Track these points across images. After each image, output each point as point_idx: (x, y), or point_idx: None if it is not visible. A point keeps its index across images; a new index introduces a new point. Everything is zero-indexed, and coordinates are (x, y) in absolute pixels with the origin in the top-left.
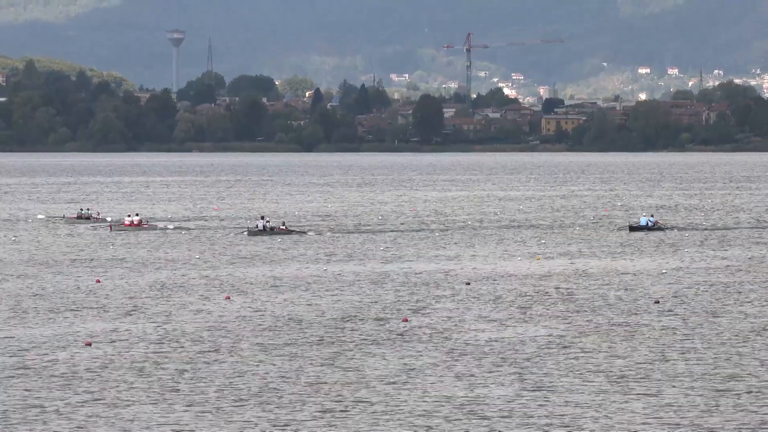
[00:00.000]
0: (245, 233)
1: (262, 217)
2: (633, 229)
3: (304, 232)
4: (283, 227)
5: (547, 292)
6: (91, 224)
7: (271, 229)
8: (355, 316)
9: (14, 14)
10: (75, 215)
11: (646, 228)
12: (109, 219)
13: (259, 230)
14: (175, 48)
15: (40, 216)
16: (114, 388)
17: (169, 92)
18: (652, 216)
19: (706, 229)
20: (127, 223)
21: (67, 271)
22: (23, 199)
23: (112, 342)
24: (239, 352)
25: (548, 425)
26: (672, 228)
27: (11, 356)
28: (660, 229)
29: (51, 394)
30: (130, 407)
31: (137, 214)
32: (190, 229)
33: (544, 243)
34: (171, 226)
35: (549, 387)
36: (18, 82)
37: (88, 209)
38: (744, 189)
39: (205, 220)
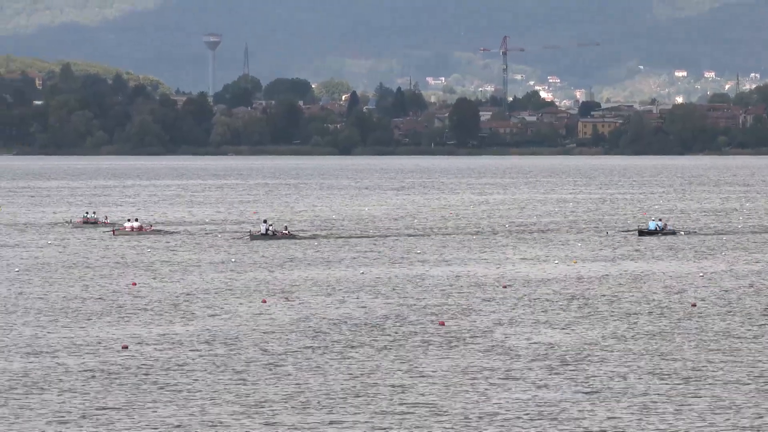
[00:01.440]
0: (248, 238)
1: (265, 221)
2: (642, 233)
3: (308, 237)
4: (286, 231)
5: (583, 296)
6: (99, 228)
7: (274, 233)
8: (391, 319)
9: (50, 17)
10: (81, 219)
11: (655, 232)
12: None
13: (262, 234)
14: (212, 51)
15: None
16: (150, 392)
17: (205, 95)
18: (660, 220)
19: (735, 233)
20: (128, 227)
21: (103, 274)
22: (62, 202)
23: (148, 345)
24: (275, 355)
25: (586, 427)
26: (682, 232)
27: (49, 359)
28: (671, 233)
29: (88, 397)
30: (166, 410)
31: (136, 219)
32: (194, 233)
33: (581, 246)
34: (174, 230)
35: (586, 389)
36: (54, 86)
37: (94, 213)
38: None
39: (242, 224)
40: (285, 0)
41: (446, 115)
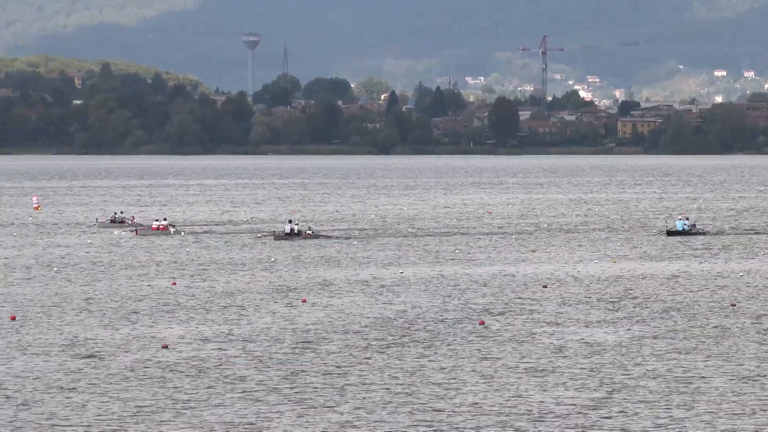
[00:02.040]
0: (272, 238)
1: (290, 221)
2: (670, 233)
3: (330, 236)
4: (310, 231)
5: (623, 295)
6: (126, 228)
7: (298, 233)
8: (431, 318)
9: (89, 17)
10: (108, 219)
11: (682, 232)
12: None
13: (286, 234)
14: (251, 51)
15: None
16: (191, 390)
17: (244, 95)
18: (687, 219)
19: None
20: (154, 227)
21: (143, 274)
22: (102, 202)
23: (188, 344)
24: (316, 353)
25: (627, 427)
26: (709, 232)
27: (90, 358)
28: (699, 233)
29: (128, 395)
30: (206, 408)
31: (165, 219)
32: (221, 233)
33: (620, 245)
34: (199, 230)
35: (626, 389)
36: (94, 85)
37: (121, 212)
38: None
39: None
40: (324, 1)
41: (485, 114)
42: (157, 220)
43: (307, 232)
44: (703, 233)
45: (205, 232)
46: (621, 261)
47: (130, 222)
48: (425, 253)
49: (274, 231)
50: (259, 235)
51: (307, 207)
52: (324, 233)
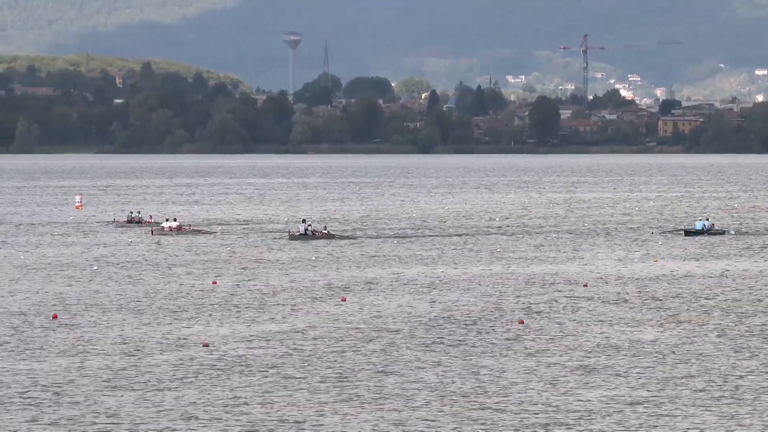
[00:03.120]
0: (286, 237)
1: (304, 221)
2: (688, 233)
3: (348, 237)
4: (325, 231)
5: (663, 294)
6: (142, 228)
7: (313, 233)
8: (471, 317)
9: (130, 15)
10: (125, 219)
11: (702, 232)
12: (164, 222)
13: (301, 234)
14: (292, 50)
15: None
16: (231, 389)
17: (285, 94)
18: (708, 219)
19: None
20: (166, 227)
21: (183, 273)
22: (142, 201)
23: (228, 343)
24: (355, 352)
25: (669, 426)
26: (732, 231)
27: (131, 357)
28: (718, 232)
29: (169, 394)
30: (246, 407)
31: (175, 219)
32: (235, 233)
33: (661, 244)
34: (216, 230)
35: (667, 388)
36: (135, 84)
37: (138, 213)
38: None
39: (326, 222)
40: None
41: (526, 113)
42: (167, 220)
43: (323, 231)
44: (722, 233)
45: (213, 232)
46: (664, 260)
47: (147, 222)
48: (465, 252)
49: (289, 231)
50: (275, 237)
51: (351, 205)
52: (338, 234)
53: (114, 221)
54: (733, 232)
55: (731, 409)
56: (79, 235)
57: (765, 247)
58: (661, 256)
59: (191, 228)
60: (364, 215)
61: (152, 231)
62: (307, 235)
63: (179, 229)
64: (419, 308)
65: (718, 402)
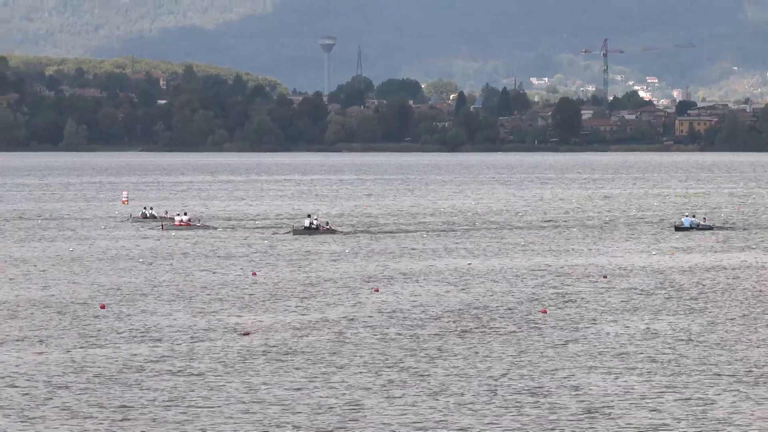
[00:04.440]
0: (290, 232)
1: (309, 216)
2: (678, 229)
3: (334, 231)
4: (328, 226)
5: (681, 286)
6: (157, 223)
7: (316, 228)
8: (497, 307)
9: (173, 20)
10: (140, 215)
11: (690, 228)
12: (176, 216)
13: (305, 229)
14: (327, 53)
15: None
16: (270, 376)
17: (320, 95)
18: (694, 216)
19: None
20: (177, 222)
21: (225, 265)
22: (189, 196)
23: (267, 332)
24: (388, 341)
25: (687, 414)
26: (715, 227)
27: (177, 344)
28: (707, 228)
29: (211, 380)
30: (285, 393)
31: (185, 213)
32: (242, 228)
33: (679, 239)
34: (224, 225)
35: (686, 377)
36: (177, 86)
37: (151, 209)
38: None
39: (356, 217)
40: (397, 4)
41: (549, 114)
42: (178, 215)
43: (325, 227)
44: (711, 228)
45: (217, 227)
46: (681, 253)
47: (161, 217)
48: (492, 246)
49: (293, 226)
50: (277, 231)
51: (382, 201)
52: (341, 229)
53: (130, 216)
54: (720, 228)
55: (753, 393)
56: (123, 229)
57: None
58: (678, 249)
59: (201, 223)
60: (394, 211)
61: (162, 226)
62: (312, 230)
63: (188, 224)
64: (448, 298)
65: (736, 388)
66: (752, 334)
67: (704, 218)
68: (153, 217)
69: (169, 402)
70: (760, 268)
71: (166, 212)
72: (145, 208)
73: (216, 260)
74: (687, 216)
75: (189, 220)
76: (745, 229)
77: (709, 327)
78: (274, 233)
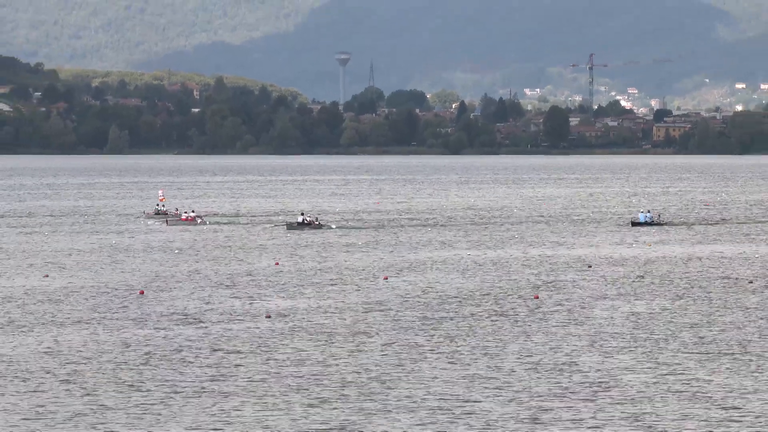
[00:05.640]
0: (285, 227)
1: (302, 213)
2: (634, 224)
3: (331, 227)
4: (317, 222)
5: (658, 274)
6: (169, 219)
7: (308, 223)
8: (493, 292)
9: (206, 38)
10: (153, 211)
11: (645, 223)
12: (186, 212)
13: (298, 224)
14: (343, 67)
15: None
16: (289, 355)
17: (336, 104)
18: (649, 212)
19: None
20: (183, 218)
21: (251, 256)
22: (222, 194)
23: (287, 315)
24: (397, 321)
25: (662, 388)
26: (669, 222)
27: (205, 326)
28: (659, 223)
29: (236, 358)
30: (302, 368)
31: (193, 211)
32: (241, 223)
33: (656, 232)
34: (224, 221)
35: (662, 354)
36: (209, 96)
37: (163, 206)
38: None
39: (368, 213)
40: (405, 24)
41: (541, 121)
42: (185, 212)
43: (315, 222)
44: (665, 224)
45: (221, 222)
46: (657, 245)
47: (172, 214)
48: (490, 238)
49: (287, 221)
50: (272, 225)
51: (393, 198)
52: (327, 224)
53: (144, 213)
54: (333, 227)
55: (716, 363)
56: (158, 223)
57: (746, 234)
58: (655, 242)
59: (203, 219)
60: (401, 206)
61: (167, 221)
62: (303, 225)
63: (193, 220)
64: (451, 285)
65: (713, 359)
66: (718, 313)
67: (658, 214)
68: (165, 213)
69: (204, 376)
70: (714, 257)
71: (176, 209)
72: (157, 205)
73: (242, 252)
74: (642, 212)
75: (194, 217)
76: (693, 224)
77: (683, 308)
78: (275, 227)
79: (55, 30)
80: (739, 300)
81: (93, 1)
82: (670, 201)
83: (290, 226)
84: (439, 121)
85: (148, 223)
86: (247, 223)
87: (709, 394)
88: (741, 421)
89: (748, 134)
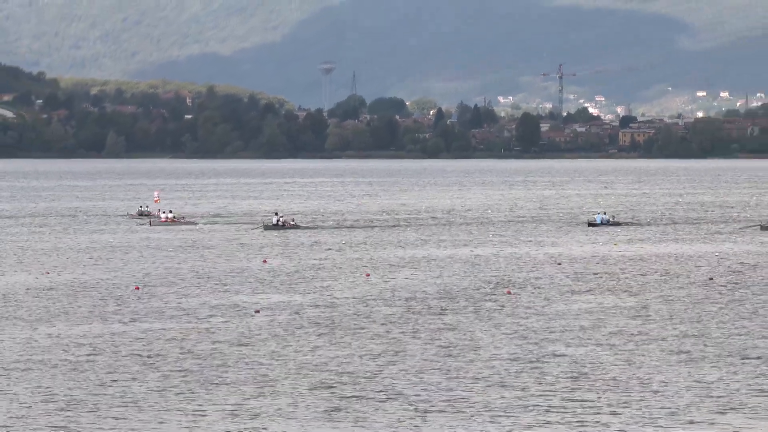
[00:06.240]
0: (262, 228)
1: (276, 214)
2: (591, 225)
3: (298, 226)
4: (293, 222)
5: (622, 271)
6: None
7: (283, 224)
8: (469, 288)
9: (198, 48)
10: (136, 212)
11: (601, 224)
12: (166, 213)
13: (274, 225)
14: (327, 76)
15: (126, 214)
16: (278, 347)
17: (321, 111)
18: (605, 213)
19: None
20: (163, 219)
21: (241, 255)
22: (218, 197)
23: (275, 310)
24: (378, 317)
25: (624, 377)
26: (626, 223)
27: (197, 320)
28: (616, 224)
29: (228, 349)
30: (291, 361)
31: (171, 211)
32: (221, 223)
33: (621, 233)
34: (203, 221)
35: (628, 343)
36: (201, 104)
37: (147, 206)
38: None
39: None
40: (387, 36)
41: (513, 127)
42: (164, 213)
43: (291, 222)
44: (619, 224)
45: (195, 222)
46: (623, 244)
47: (155, 214)
48: (465, 237)
49: (264, 222)
50: (252, 227)
51: (378, 199)
52: (303, 224)
53: (127, 214)
54: (629, 223)
55: (690, 358)
56: (141, 224)
57: (708, 233)
58: (621, 241)
59: (184, 219)
60: (382, 207)
61: (150, 222)
62: (279, 226)
63: (174, 221)
64: (429, 281)
65: (675, 352)
66: (677, 307)
67: (613, 216)
68: (148, 214)
69: (193, 366)
70: (674, 256)
71: (159, 209)
72: (141, 206)
73: (236, 250)
74: (599, 213)
75: (174, 217)
76: (649, 224)
77: (647, 303)
78: (254, 228)
79: (56, 41)
80: (701, 295)
81: (92, 13)
82: (631, 202)
83: (266, 227)
84: (417, 127)
85: (131, 222)
86: (242, 223)
87: (672, 384)
88: (702, 410)
89: (708, 139)
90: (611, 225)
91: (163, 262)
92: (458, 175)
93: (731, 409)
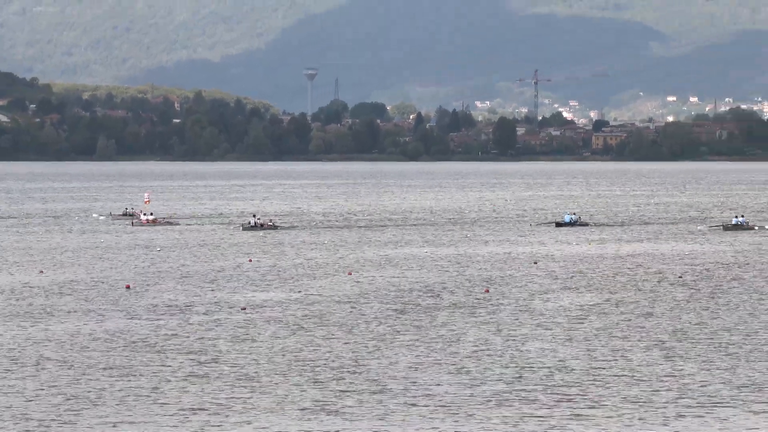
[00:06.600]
0: (240, 228)
1: (254, 215)
2: (559, 224)
3: (277, 226)
4: (271, 223)
5: (596, 269)
6: (136, 219)
7: (261, 225)
8: (447, 287)
9: (186, 54)
10: (121, 213)
11: (570, 224)
12: (150, 216)
13: (251, 226)
14: (310, 81)
15: (96, 215)
16: (263, 340)
17: (305, 116)
18: (574, 213)
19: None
20: (143, 220)
21: (224, 253)
22: (209, 198)
23: (261, 307)
24: (359, 313)
25: (602, 371)
26: (593, 223)
27: (186, 316)
28: (584, 224)
29: (215, 345)
30: (276, 353)
31: (151, 213)
32: (203, 223)
33: (597, 232)
34: (178, 222)
35: (599, 340)
36: (189, 108)
37: (132, 207)
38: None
39: (335, 214)
40: (368, 43)
41: (490, 130)
42: (145, 214)
43: (269, 223)
44: (586, 225)
45: (178, 223)
46: (597, 244)
47: (138, 216)
48: (444, 237)
49: (242, 223)
50: (232, 227)
51: (362, 200)
52: (281, 224)
53: (110, 214)
54: (593, 224)
55: (665, 354)
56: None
57: (674, 233)
58: (595, 241)
59: (164, 220)
60: (364, 208)
61: (132, 222)
62: (256, 227)
63: (155, 222)
64: (408, 279)
65: (653, 346)
66: (653, 304)
67: (579, 216)
68: (132, 214)
69: (184, 361)
70: (644, 255)
71: (141, 210)
72: (126, 207)
73: (219, 250)
74: (568, 213)
75: (155, 219)
76: (619, 225)
77: (620, 300)
78: (236, 228)
79: (49, 48)
80: (672, 292)
81: (83, 21)
82: (597, 203)
83: (245, 228)
84: (398, 131)
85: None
86: (221, 223)
87: (647, 378)
88: (677, 403)
89: (678, 143)
90: (579, 225)
91: (152, 262)
92: (438, 177)
93: (709, 402)
